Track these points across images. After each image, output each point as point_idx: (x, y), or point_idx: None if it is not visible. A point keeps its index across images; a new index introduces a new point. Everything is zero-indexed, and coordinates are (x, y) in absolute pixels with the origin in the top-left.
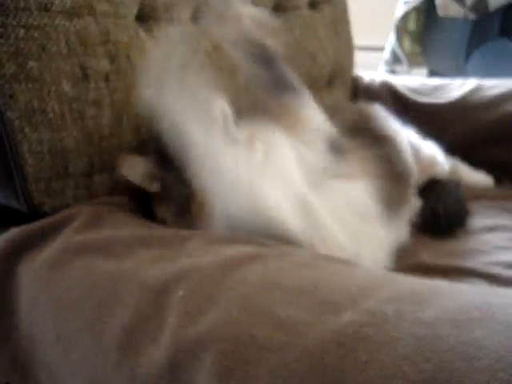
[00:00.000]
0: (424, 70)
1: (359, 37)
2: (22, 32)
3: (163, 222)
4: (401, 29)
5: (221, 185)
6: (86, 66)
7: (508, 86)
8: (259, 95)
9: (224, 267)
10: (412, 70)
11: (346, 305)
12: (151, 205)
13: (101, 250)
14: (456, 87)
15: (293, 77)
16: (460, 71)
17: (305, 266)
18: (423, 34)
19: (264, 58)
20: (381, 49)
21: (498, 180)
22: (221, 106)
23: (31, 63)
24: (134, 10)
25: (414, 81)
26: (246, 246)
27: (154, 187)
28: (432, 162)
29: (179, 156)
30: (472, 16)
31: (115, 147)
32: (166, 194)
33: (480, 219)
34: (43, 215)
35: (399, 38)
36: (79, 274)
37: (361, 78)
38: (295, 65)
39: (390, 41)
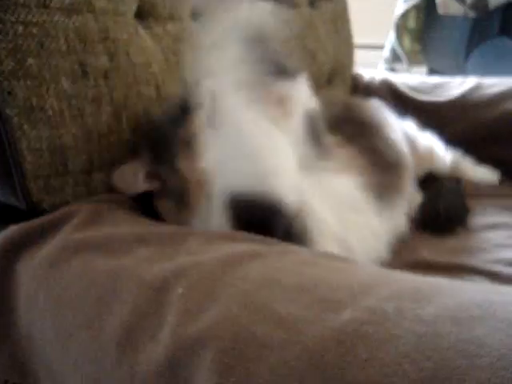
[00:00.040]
0: (424, 69)
1: (359, 35)
2: (20, 28)
3: (166, 215)
4: (401, 27)
5: (234, 150)
6: (85, 63)
7: (508, 85)
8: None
9: (224, 264)
10: (412, 68)
11: (346, 302)
12: (152, 201)
13: (100, 248)
14: (456, 85)
15: (288, 61)
16: (460, 69)
17: (305, 263)
18: (423, 32)
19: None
20: (381, 47)
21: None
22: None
23: (30, 60)
24: (134, 7)
25: (413, 79)
26: (247, 243)
27: (154, 185)
28: (430, 154)
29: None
30: (472, 14)
31: (114, 144)
32: (164, 186)
33: (480, 217)
34: (42, 212)
35: (399, 36)
36: (78, 271)
37: (361, 75)
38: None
39: (389, 39)
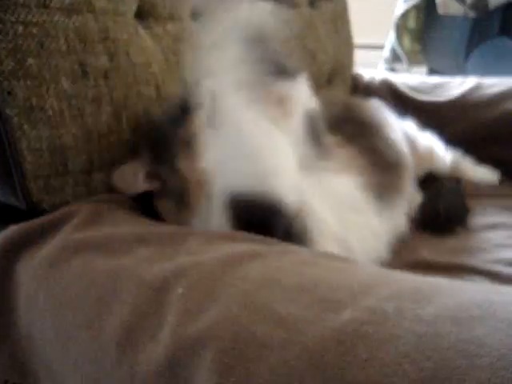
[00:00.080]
0: (424, 69)
1: (359, 35)
2: (20, 28)
3: (166, 215)
4: (401, 27)
5: (234, 150)
6: (85, 63)
7: (508, 85)
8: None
9: (224, 264)
10: (411, 68)
11: (346, 302)
12: (152, 201)
13: (100, 248)
14: (456, 85)
15: (287, 61)
16: (460, 70)
17: (305, 263)
18: (423, 32)
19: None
20: (380, 47)
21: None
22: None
23: (30, 60)
24: (134, 7)
25: (413, 79)
26: (247, 243)
27: (154, 185)
28: (430, 154)
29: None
30: (472, 14)
31: (114, 144)
32: (164, 186)
33: (480, 217)
34: (42, 212)
35: (399, 36)
36: (78, 271)
37: (361, 75)
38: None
39: (389, 39)
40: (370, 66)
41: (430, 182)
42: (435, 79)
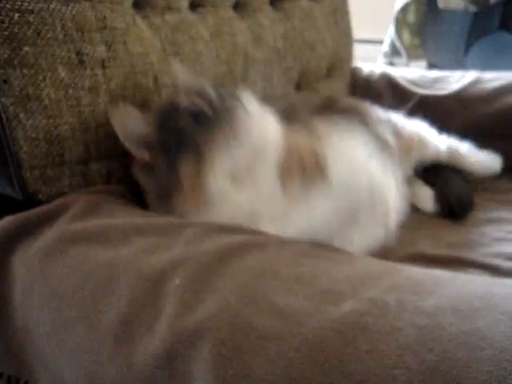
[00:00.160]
0: (423, 63)
1: (358, 30)
2: (16, 16)
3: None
4: (400, 21)
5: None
6: (82, 52)
7: (508, 79)
8: None
9: (222, 255)
10: (411, 62)
11: (347, 294)
12: (130, 164)
13: (96, 239)
14: (456, 79)
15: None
16: (459, 64)
17: (305, 255)
18: (423, 26)
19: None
20: (380, 42)
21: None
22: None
23: (26, 48)
24: None
25: (413, 73)
26: (245, 234)
27: (141, 154)
28: (417, 139)
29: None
30: (472, 8)
31: (112, 135)
32: (155, 180)
33: (480, 212)
34: (38, 203)
35: (398, 30)
36: (74, 262)
37: (360, 69)
38: (294, 55)
39: (389, 33)
40: (370, 61)
41: (434, 173)
42: (435, 73)
